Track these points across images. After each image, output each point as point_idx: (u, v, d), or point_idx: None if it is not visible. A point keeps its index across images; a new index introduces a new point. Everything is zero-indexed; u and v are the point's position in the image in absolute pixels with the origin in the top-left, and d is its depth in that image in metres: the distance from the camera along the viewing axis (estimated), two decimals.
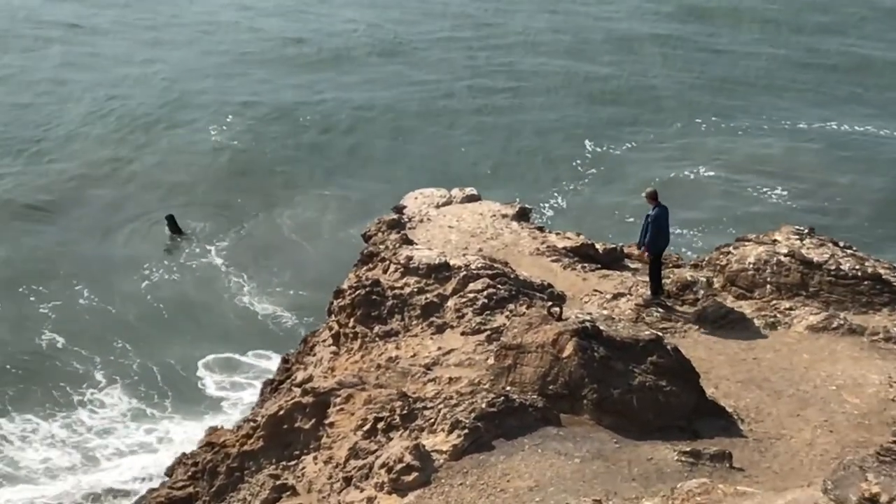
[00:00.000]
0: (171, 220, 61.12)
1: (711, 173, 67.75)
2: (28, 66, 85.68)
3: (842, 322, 31.24)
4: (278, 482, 28.85)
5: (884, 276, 32.96)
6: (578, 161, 69.67)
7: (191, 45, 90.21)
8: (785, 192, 65.16)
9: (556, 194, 65.53)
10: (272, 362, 47.47)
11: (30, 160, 69.88)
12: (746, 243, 34.83)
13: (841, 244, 34.74)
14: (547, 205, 64.08)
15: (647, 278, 33.27)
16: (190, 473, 32.84)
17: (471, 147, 71.81)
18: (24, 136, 73.48)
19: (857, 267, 33.04)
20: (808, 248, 33.72)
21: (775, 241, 34.41)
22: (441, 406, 26.43)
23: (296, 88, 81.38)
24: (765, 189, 65.62)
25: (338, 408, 28.84)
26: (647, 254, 32.72)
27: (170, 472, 35.87)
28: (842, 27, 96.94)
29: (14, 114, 76.92)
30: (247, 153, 71.03)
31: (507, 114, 77.55)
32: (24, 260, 58.10)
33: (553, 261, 35.87)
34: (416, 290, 33.00)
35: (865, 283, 32.68)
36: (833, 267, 32.90)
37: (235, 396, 47.14)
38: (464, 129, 74.81)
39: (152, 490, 36.60)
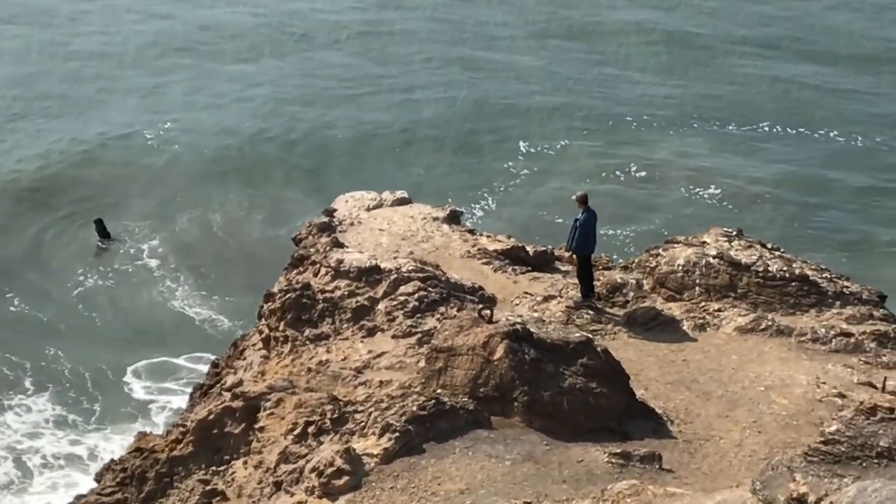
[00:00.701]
0: (100, 224, 60.62)
1: (642, 174, 67.95)
2: None
3: (770, 323, 31.46)
4: (208, 487, 28.69)
5: (811, 278, 33.22)
6: (511, 162, 69.73)
7: (113, 34, 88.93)
8: (716, 193, 65.46)
9: (487, 195, 65.52)
10: (205, 365, 47.27)
11: None
12: (675, 245, 34.98)
13: (769, 246, 35.00)
14: (478, 206, 64.14)
15: (577, 280, 33.35)
16: (118, 479, 32.50)
17: (402, 149, 71.58)
18: None
19: (785, 268, 33.28)
20: (736, 250, 33.93)
21: (704, 242, 34.58)
22: (372, 409, 26.43)
23: (229, 82, 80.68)
24: (695, 189, 65.90)
25: (268, 412, 28.72)
26: (574, 256, 32.85)
27: (98, 478, 35.52)
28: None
29: None
30: (177, 152, 70.44)
31: (440, 111, 77.28)
32: None
33: (484, 263, 35.90)
34: (346, 293, 32.92)
35: (793, 284, 32.92)
36: (761, 268, 33.12)
37: (164, 400, 47.02)
38: (394, 128, 74.49)
39: (80, 496, 36.28)
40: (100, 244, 60.26)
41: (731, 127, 75.23)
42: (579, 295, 32.75)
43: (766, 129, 74.56)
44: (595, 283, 33.16)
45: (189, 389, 43.59)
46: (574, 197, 32.62)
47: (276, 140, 72.46)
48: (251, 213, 63.42)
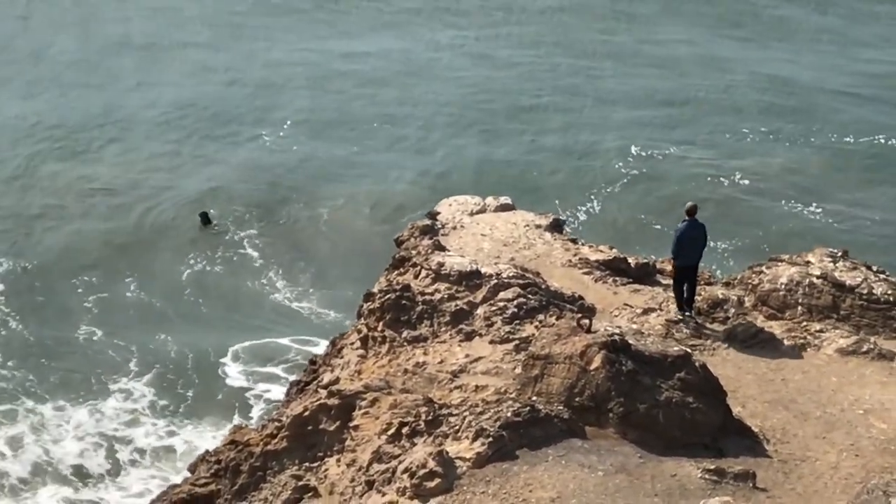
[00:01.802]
0: (204, 216, 61.66)
1: (746, 182, 67.46)
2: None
3: (872, 346, 31.11)
4: (300, 483, 28.89)
5: None
6: (620, 163, 69.57)
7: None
8: (819, 209, 64.77)
9: (593, 198, 65.47)
10: (311, 347, 48.57)
11: (88, 151, 70.94)
12: (779, 263, 34.74)
13: (874, 268, 34.63)
14: (583, 208, 64.16)
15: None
16: (213, 471, 32.88)
17: (505, 154, 71.64)
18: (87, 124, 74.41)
19: (890, 292, 32.92)
20: (840, 271, 33.61)
21: (808, 262, 34.31)
22: (466, 413, 26.44)
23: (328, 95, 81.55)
24: (798, 205, 65.25)
25: (363, 411, 28.87)
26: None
27: (192, 468, 35.95)
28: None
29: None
30: (283, 152, 71.28)
31: (541, 117, 77.26)
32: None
33: (584, 273, 35.84)
34: (446, 296, 33.00)
35: None
36: (865, 291, 32.79)
37: (262, 388, 47.80)
38: (501, 134, 74.60)
39: (174, 486, 36.72)
40: (203, 233, 61.23)
41: (847, 138, 74.31)
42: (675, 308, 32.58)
43: (879, 141, 73.60)
44: (696, 297, 32.88)
45: (291, 376, 44.26)
46: (685, 207, 32.38)
47: (377, 140, 72.97)
48: (356, 210, 63.92)
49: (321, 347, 45.63)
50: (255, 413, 45.66)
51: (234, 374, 48.60)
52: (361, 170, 68.69)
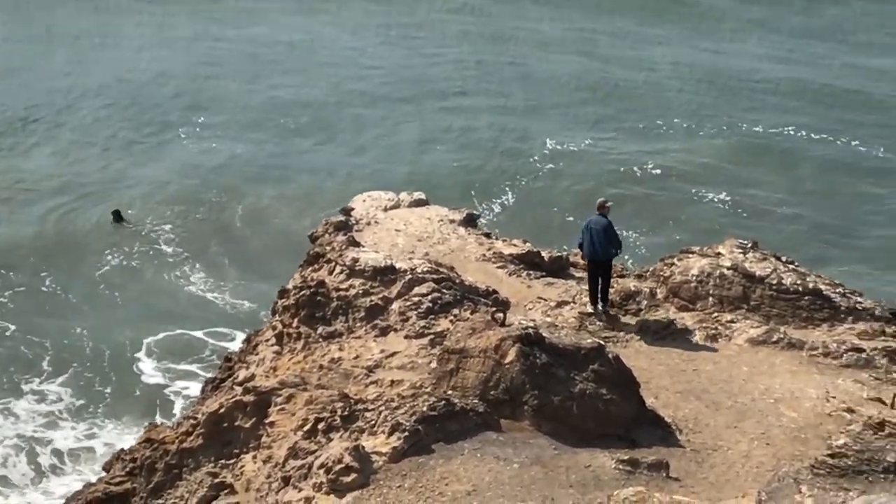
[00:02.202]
0: (117, 214, 61.59)
1: (661, 174, 67.99)
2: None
3: (782, 336, 31.50)
4: (216, 480, 28.78)
5: (824, 292, 33.27)
6: (537, 157, 69.79)
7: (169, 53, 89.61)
8: (731, 200, 65.33)
9: (508, 191, 65.68)
10: (225, 342, 48.72)
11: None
12: (690, 255, 35.05)
13: (783, 259, 35.04)
14: (497, 201, 64.38)
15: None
16: (128, 469, 32.68)
17: (422, 149, 71.75)
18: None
19: (799, 282, 33.33)
20: (750, 262, 33.98)
21: (719, 254, 34.64)
22: (382, 408, 26.49)
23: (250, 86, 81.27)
24: (711, 196, 65.79)
25: (278, 407, 28.83)
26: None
27: (107, 466, 35.69)
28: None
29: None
30: (206, 149, 71.07)
31: (460, 114, 77.46)
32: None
33: (499, 267, 36.00)
34: (360, 292, 33.02)
35: (806, 298, 32.98)
36: (775, 281, 33.18)
37: (181, 386, 47.59)
38: (415, 129, 74.71)
39: (89, 485, 36.42)
40: (123, 228, 61.15)
41: (757, 129, 75.07)
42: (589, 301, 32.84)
43: (792, 133, 74.44)
44: (610, 289, 33.14)
45: (208, 373, 44.12)
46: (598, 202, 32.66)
47: (298, 138, 72.88)
48: (273, 207, 63.85)
49: (237, 341, 45.66)
50: (177, 410, 45.48)
51: (149, 370, 48.42)
52: (284, 166, 68.89)
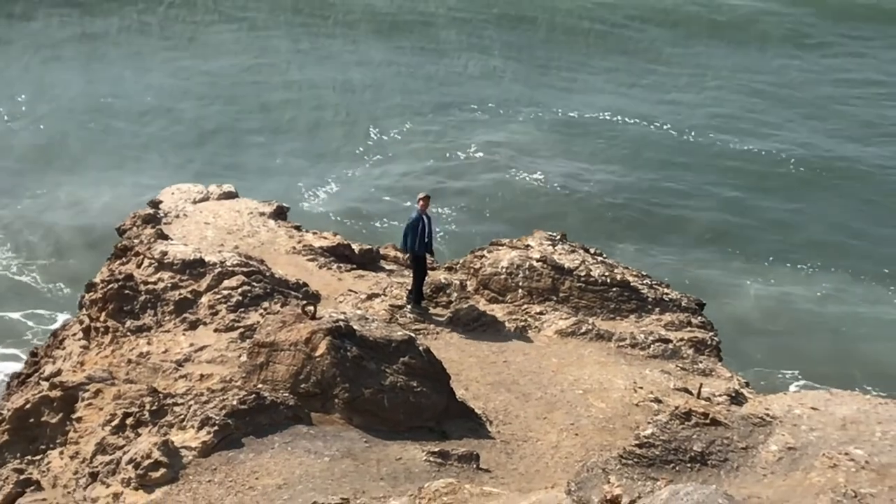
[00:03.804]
0: None
1: (476, 163, 68.23)
2: None
3: (590, 327, 32.00)
4: (22, 476, 28.19)
5: (632, 284, 33.89)
6: (361, 148, 69.77)
7: None
8: (549, 189, 65.73)
9: (331, 181, 65.55)
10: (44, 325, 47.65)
11: None
12: (500, 247, 35.36)
13: (592, 251, 35.57)
14: (322, 189, 64.14)
15: (402, 280, 33.48)
16: None
17: (234, 141, 71.14)
18: None
19: (607, 274, 33.88)
20: (559, 254, 34.42)
21: (528, 246, 35.00)
22: (191, 402, 26.27)
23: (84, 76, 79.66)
24: (526, 183, 66.19)
25: (86, 402, 28.39)
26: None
27: None
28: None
29: None
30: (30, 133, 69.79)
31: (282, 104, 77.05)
32: None
33: (309, 260, 35.90)
34: (169, 285, 32.64)
35: (614, 289, 33.55)
36: (583, 273, 33.67)
37: None
38: (229, 122, 74.00)
39: None
40: None
41: (573, 115, 75.68)
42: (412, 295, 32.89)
43: (608, 118, 75.33)
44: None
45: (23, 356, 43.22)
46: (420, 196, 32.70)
47: (128, 121, 71.81)
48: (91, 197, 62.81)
49: (58, 322, 44.86)
50: None
51: None
52: (111, 159, 67.34)
